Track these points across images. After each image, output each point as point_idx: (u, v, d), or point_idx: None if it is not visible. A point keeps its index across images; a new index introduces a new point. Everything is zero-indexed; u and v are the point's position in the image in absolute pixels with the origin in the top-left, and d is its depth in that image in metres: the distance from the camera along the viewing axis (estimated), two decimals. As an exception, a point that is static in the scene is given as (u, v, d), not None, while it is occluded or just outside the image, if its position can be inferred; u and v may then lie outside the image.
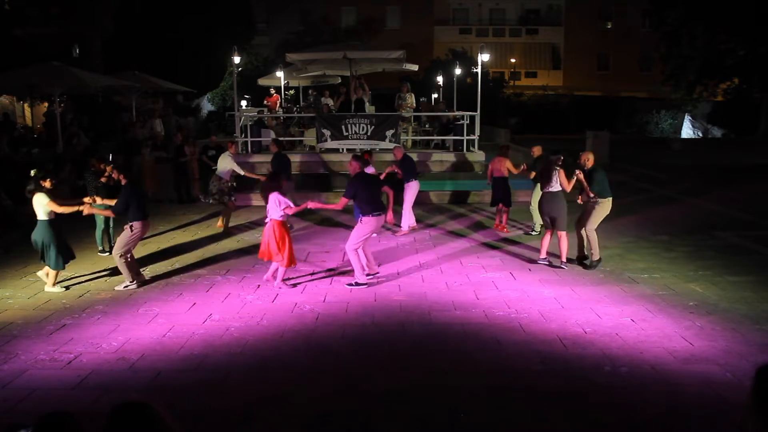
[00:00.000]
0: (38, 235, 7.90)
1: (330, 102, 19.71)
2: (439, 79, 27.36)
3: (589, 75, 44.59)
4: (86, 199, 8.48)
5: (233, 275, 8.71)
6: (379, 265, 8.79)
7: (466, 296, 7.69)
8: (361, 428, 4.72)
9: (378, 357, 5.93)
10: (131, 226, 8.07)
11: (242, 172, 11.59)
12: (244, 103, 26.52)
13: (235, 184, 12.40)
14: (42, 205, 7.87)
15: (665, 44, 31.67)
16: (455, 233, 11.22)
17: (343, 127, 15.67)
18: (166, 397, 5.03)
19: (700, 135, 36.72)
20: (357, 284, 8.10)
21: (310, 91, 23.20)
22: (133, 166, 14.33)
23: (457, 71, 23.58)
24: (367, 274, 8.35)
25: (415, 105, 18.88)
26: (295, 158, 13.58)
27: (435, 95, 26.16)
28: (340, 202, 8.49)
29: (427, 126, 19.25)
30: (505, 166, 11.37)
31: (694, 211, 13.21)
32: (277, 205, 7.98)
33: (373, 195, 8.23)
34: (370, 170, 10.24)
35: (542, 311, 7.10)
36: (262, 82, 24.33)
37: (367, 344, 6.25)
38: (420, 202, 11.64)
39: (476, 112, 16.47)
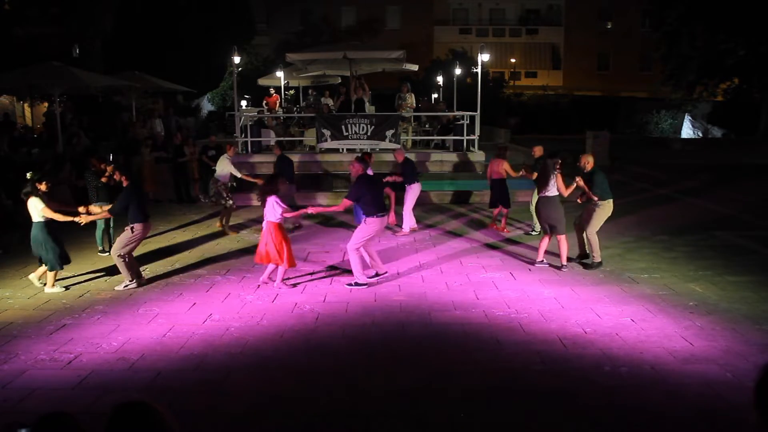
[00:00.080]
0: (35, 236, 7.91)
1: (330, 102, 19.71)
2: (439, 79, 27.35)
3: (589, 75, 44.57)
4: (81, 209, 8.43)
5: (233, 275, 8.71)
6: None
7: (466, 296, 7.68)
8: (361, 428, 4.72)
9: (378, 357, 5.93)
10: (132, 228, 8.07)
11: (239, 175, 11.59)
12: (244, 103, 26.51)
13: (234, 184, 12.41)
14: (36, 209, 7.88)
15: (665, 44, 31.65)
16: (455, 233, 11.22)
17: (343, 127, 15.67)
18: (166, 397, 5.03)
19: (700, 135, 36.69)
20: (357, 284, 8.09)
21: (310, 91, 23.20)
22: (133, 166, 14.34)
23: (457, 71, 23.56)
24: (375, 275, 8.35)
25: (415, 105, 18.88)
26: (294, 158, 13.58)
27: (435, 95, 26.17)
28: (342, 203, 8.48)
29: (427, 126, 19.25)
30: (503, 168, 11.33)
31: (694, 211, 13.21)
32: (274, 208, 7.97)
33: (376, 196, 8.24)
34: (368, 172, 10.25)
35: (542, 311, 7.10)
36: (262, 82, 24.33)
37: (367, 344, 6.25)
38: (420, 202, 11.65)
39: (476, 112, 16.47)
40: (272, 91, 22.86)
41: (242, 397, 5.18)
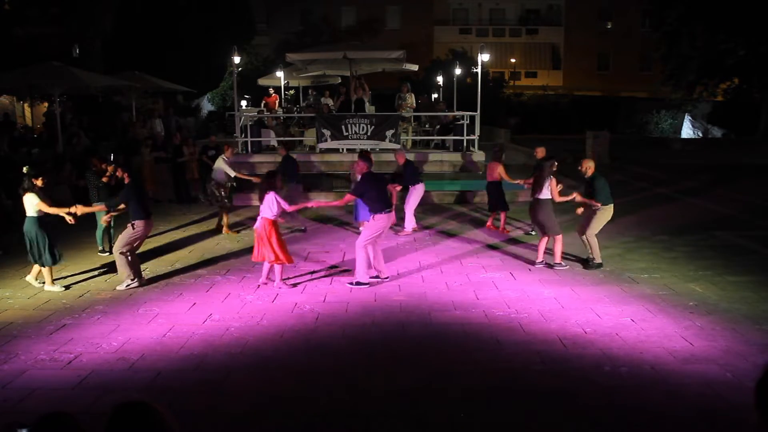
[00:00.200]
0: (29, 231, 7.92)
1: (330, 102, 19.71)
2: (439, 79, 27.35)
3: (589, 75, 44.56)
4: (72, 209, 8.45)
5: (233, 275, 8.71)
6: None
7: (466, 296, 7.68)
8: (361, 428, 4.72)
9: (378, 357, 5.93)
10: (133, 225, 8.07)
11: (233, 174, 11.58)
12: (244, 103, 26.51)
13: (234, 185, 12.40)
14: (32, 205, 7.90)
15: (665, 44, 31.64)
16: (455, 233, 11.22)
17: (343, 127, 15.67)
18: (166, 397, 5.03)
19: (700, 135, 36.68)
20: (358, 284, 8.10)
21: (310, 91, 23.20)
22: (133, 166, 14.33)
23: (457, 71, 23.57)
24: (375, 276, 8.34)
25: (415, 105, 18.88)
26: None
27: (435, 95, 26.17)
28: (344, 198, 8.61)
29: (427, 126, 19.25)
30: (497, 172, 11.32)
31: (694, 211, 13.21)
32: (271, 205, 7.96)
33: (382, 193, 8.28)
34: None
35: (542, 311, 7.10)
36: (262, 82, 24.32)
37: (367, 344, 6.25)
38: (420, 202, 11.65)
39: (476, 112, 16.47)
40: (271, 91, 22.86)
41: (242, 397, 5.18)
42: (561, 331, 6.50)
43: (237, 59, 16.90)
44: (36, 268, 8.16)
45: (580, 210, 9.15)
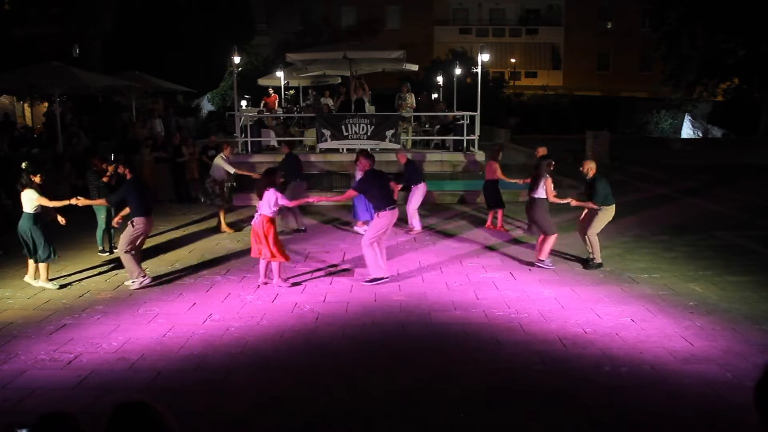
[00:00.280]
0: (24, 227, 7.93)
1: (330, 102, 19.72)
2: (439, 79, 27.36)
3: (589, 75, 44.56)
4: (73, 200, 8.53)
5: (233, 275, 8.71)
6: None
7: (466, 296, 7.68)
8: (361, 428, 4.72)
9: (378, 357, 5.93)
10: (132, 222, 8.07)
11: (233, 170, 11.58)
12: (244, 103, 26.52)
13: (234, 185, 12.40)
14: (30, 200, 7.91)
15: (665, 44, 31.65)
16: (455, 233, 11.22)
17: (343, 127, 15.67)
18: (166, 397, 5.03)
19: (700, 135, 36.68)
20: (374, 280, 8.12)
21: (310, 91, 23.20)
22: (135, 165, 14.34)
23: (457, 71, 23.58)
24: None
25: (415, 105, 18.89)
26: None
27: (435, 95, 26.19)
28: (347, 193, 8.70)
29: (427, 126, 19.26)
30: (492, 170, 11.43)
31: (694, 211, 13.21)
32: (270, 202, 7.96)
33: (385, 190, 8.30)
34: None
35: (542, 311, 7.10)
36: (262, 82, 24.33)
37: (367, 344, 6.25)
38: (422, 202, 11.65)
39: (476, 112, 16.47)
40: (271, 91, 22.88)
41: (242, 397, 5.18)
42: (561, 331, 6.50)
43: (237, 59, 16.90)
44: (32, 267, 8.15)
45: (583, 216, 9.16)
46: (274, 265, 8.09)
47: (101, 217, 9.74)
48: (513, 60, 43.83)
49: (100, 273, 8.87)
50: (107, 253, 9.84)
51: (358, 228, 11.21)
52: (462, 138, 16.12)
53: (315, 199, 9.73)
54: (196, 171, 14.52)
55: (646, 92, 38.82)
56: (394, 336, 6.46)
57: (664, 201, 14.42)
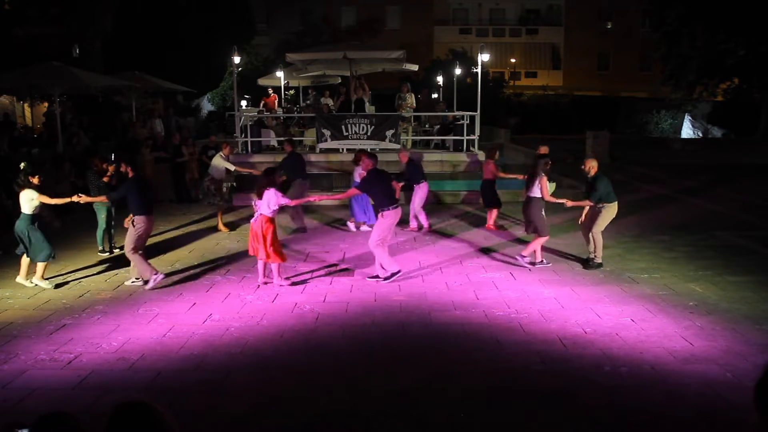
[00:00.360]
0: (21, 228, 7.94)
1: (330, 102, 19.73)
2: (439, 79, 27.36)
3: (589, 75, 44.56)
4: (75, 198, 8.55)
5: (233, 275, 8.71)
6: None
7: (466, 296, 7.68)
8: (361, 428, 4.72)
9: (378, 357, 5.93)
10: (133, 222, 8.06)
11: (233, 168, 11.57)
12: (244, 103, 26.52)
13: (235, 184, 12.40)
14: (29, 200, 7.91)
15: (665, 44, 31.65)
16: (455, 233, 11.22)
17: (343, 127, 15.68)
18: (166, 397, 5.03)
19: (700, 135, 36.68)
20: (393, 275, 8.17)
21: (310, 91, 23.21)
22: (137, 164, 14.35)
23: (457, 71, 23.58)
24: (375, 276, 8.34)
25: (415, 105, 18.90)
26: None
27: (435, 95, 26.20)
28: (348, 191, 8.81)
29: (427, 126, 19.26)
30: (489, 169, 11.48)
31: (694, 211, 13.21)
32: (270, 202, 7.96)
33: (387, 188, 8.32)
34: (361, 170, 10.26)
35: (542, 311, 7.10)
36: (262, 82, 24.34)
37: (367, 344, 6.25)
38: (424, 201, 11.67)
39: (476, 112, 16.47)
40: (270, 91, 22.89)
41: (242, 397, 5.18)
42: (561, 331, 6.50)
43: (237, 59, 16.91)
44: (24, 268, 8.14)
45: (583, 217, 9.17)
46: (273, 266, 8.09)
47: (102, 217, 9.74)
48: (513, 60, 43.83)
49: (100, 273, 8.86)
50: (107, 253, 9.84)
51: (350, 224, 11.28)
52: (462, 138, 16.11)
53: (316, 198, 9.74)
54: (196, 171, 14.52)
55: (646, 92, 38.83)
56: (394, 336, 6.45)
57: (664, 201, 14.42)
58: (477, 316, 6.96)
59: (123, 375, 5.56)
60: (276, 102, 22.51)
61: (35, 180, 8.00)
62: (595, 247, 8.86)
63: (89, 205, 9.50)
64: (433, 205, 13.83)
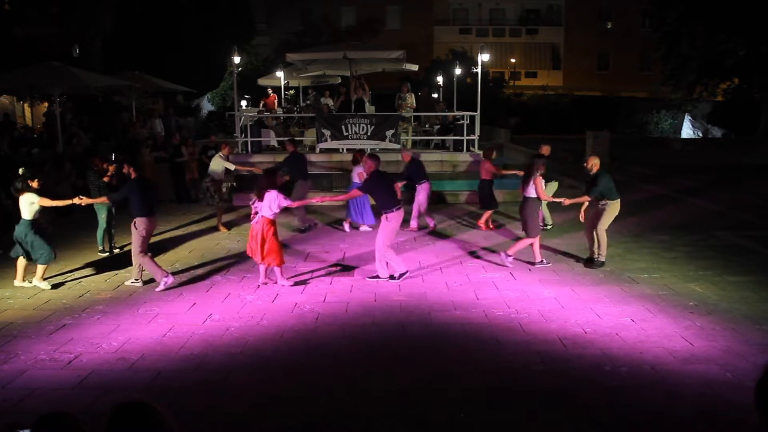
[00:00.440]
0: (21, 232, 7.93)
1: (330, 102, 19.73)
2: (439, 79, 27.36)
3: (589, 75, 44.55)
4: (76, 199, 8.55)
5: (233, 275, 8.71)
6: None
7: (466, 296, 7.68)
8: (361, 428, 4.72)
9: (378, 357, 5.93)
10: (134, 223, 8.06)
11: (233, 167, 11.57)
12: (244, 103, 26.53)
13: (235, 185, 12.39)
14: (29, 204, 7.89)
15: (665, 44, 31.65)
16: (455, 233, 11.22)
17: (343, 127, 15.68)
18: (166, 397, 5.03)
19: (700, 135, 36.68)
20: (401, 276, 8.19)
21: (310, 91, 23.22)
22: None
23: (457, 71, 23.58)
24: (375, 276, 8.34)
25: (415, 105, 18.90)
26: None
27: (435, 95, 26.19)
28: (351, 192, 8.77)
29: (427, 126, 19.26)
30: (486, 169, 11.54)
31: (694, 211, 13.21)
32: (272, 204, 7.96)
33: (391, 190, 8.33)
34: (360, 170, 10.27)
35: (542, 311, 7.10)
36: (262, 82, 24.34)
37: (367, 344, 6.25)
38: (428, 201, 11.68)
39: (476, 112, 16.47)
40: (270, 91, 22.89)
41: (242, 397, 5.18)
42: (561, 331, 6.50)
43: (237, 59, 16.91)
44: (21, 270, 8.13)
45: (582, 216, 9.18)
46: (276, 270, 8.10)
47: (102, 217, 9.74)
48: (513, 60, 43.82)
49: (100, 273, 8.86)
50: (107, 253, 9.84)
51: (345, 225, 11.34)
52: (462, 138, 16.11)
53: (318, 199, 9.73)
54: (196, 171, 14.52)
55: (646, 92, 38.83)
56: (394, 336, 6.46)
57: (664, 201, 14.42)
58: (477, 316, 6.96)
59: (123, 375, 5.56)
60: (276, 102, 22.52)
61: (35, 184, 7.99)
62: (599, 246, 8.86)
63: (90, 205, 9.50)
64: (433, 205, 13.83)
